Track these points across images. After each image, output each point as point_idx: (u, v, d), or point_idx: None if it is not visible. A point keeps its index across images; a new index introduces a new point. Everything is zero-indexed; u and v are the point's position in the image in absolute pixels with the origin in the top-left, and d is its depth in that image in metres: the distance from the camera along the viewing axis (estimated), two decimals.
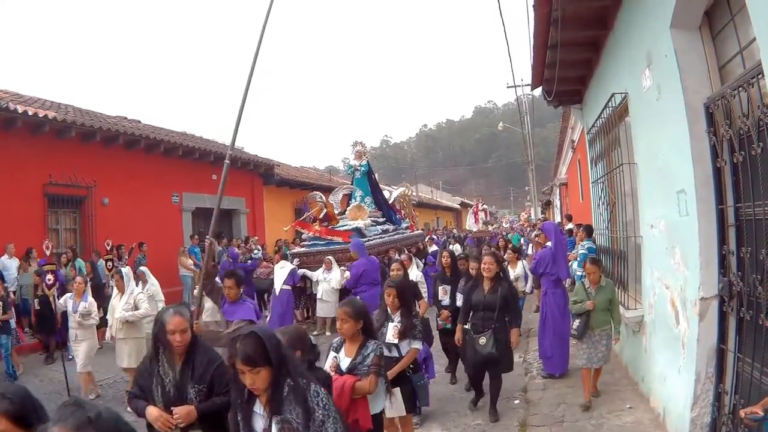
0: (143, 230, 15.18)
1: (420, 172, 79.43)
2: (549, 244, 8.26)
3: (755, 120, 3.66)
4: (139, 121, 18.92)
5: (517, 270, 10.21)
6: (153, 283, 10.43)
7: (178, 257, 15.39)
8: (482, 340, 6.17)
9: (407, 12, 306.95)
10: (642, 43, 5.73)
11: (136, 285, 10.60)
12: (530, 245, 16.60)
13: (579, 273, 9.08)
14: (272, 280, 14.37)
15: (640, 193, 6.73)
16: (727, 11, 4.29)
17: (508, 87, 28.99)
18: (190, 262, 15.49)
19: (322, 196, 15.23)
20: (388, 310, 5.18)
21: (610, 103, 7.17)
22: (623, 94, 6.82)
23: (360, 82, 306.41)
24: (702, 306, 4.51)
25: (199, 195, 18.50)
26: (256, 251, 16.42)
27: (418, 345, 5.11)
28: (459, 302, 7.26)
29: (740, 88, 3.82)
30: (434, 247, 19.78)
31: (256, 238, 19.10)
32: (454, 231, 42.46)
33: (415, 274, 9.48)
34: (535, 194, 34.81)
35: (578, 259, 9.27)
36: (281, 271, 12.20)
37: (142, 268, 11.07)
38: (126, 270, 8.79)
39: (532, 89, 14.17)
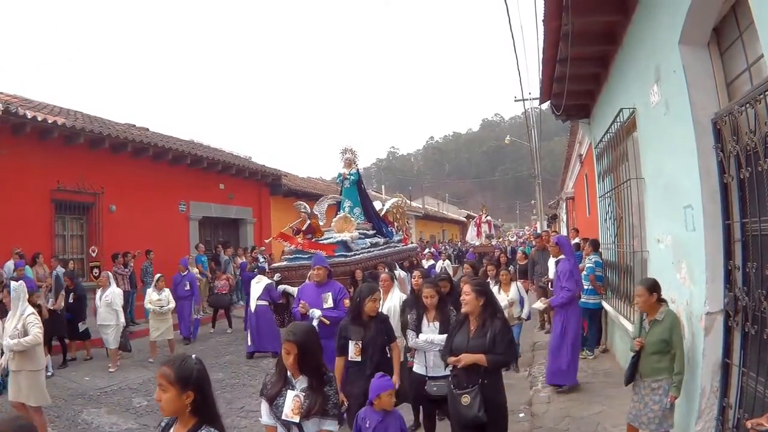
0: (150, 238, 15.25)
1: (426, 184, 79.53)
2: (562, 257, 8.13)
3: (762, 136, 3.68)
4: (148, 129, 19.03)
5: (510, 293, 9.01)
6: (113, 290, 10.39)
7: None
8: (465, 400, 4.54)
9: (416, 25, 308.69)
10: (651, 59, 5.76)
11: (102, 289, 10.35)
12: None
13: (586, 287, 9.07)
14: (231, 295, 14.04)
15: (647, 207, 6.73)
16: (735, 28, 4.33)
17: (515, 100, 28.89)
18: (196, 270, 15.52)
19: (307, 206, 14.03)
20: (289, 372, 3.65)
21: (618, 118, 7.20)
22: (631, 110, 6.84)
23: (368, 94, 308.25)
24: (707, 320, 4.52)
25: (206, 204, 18.59)
26: (262, 260, 16.43)
27: (332, 427, 3.62)
28: (410, 341, 5.69)
29: (747, 105, 3.84)
30: (432, 262, 19.34)
31: (263, 248, 19.13)
32: (457, 243, 41.82)
33: (397, 298, 7.26)
34: (541, 208, 34.77)
35: (585, 273, 9.25)
36: (256, 286, 11.55)
37: (106, 272, 11.02)
38: (16, 285, 6.95)
39: (541, 103, 14.13)
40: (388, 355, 5.53)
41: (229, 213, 19.90)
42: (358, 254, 12.95)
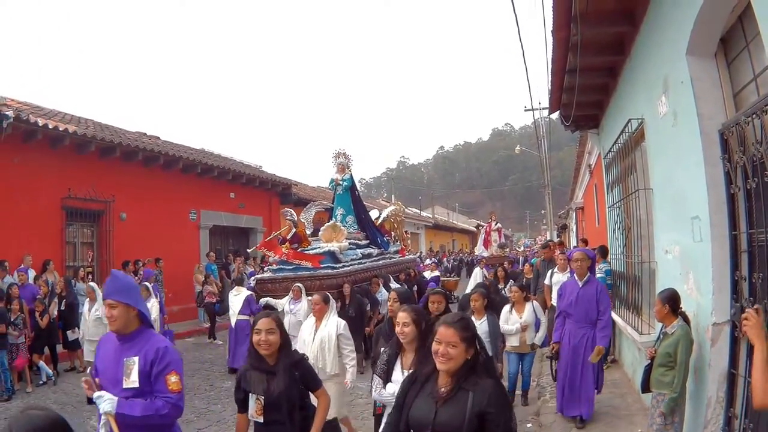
0: (160, 246, 15.35)
1: (436, 194, 79.46)
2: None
3: None
4: (159, 138, 19.16)
5: (525, 315, 7.56)
6: (101, 303, 9.53)
7: (194, 274, 15.46)
8: None
9: (426, 35, 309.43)
10: (658, 70, 5.76)
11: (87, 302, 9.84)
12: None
13: None
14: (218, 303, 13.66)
15: (655, 218, 6.72)
16: (742, 38, 4.34)
17: (525, 110, 28.75)
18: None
19: (293, 213, 13.22)
20: None
21: (626, 129, 7.19)
22: (640, 120, 6.83)
23: (378, 104, 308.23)
24: (714, 331, 4.50)
25: (216, 213, 18.72)
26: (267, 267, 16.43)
27: None
28: (374, 392, 4.17)
29: (754, 115, 3.83)
30: (436, 273, 18.97)
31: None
32: (464, 253, 40.96)
33: (333, 325, 5.83)
34: (551, 218, 34.64)
35: None
36: (236, 299, 10.68)
37: (91, 284, 10.53)
38: None
39: (550, 113, 14.09)
40: (307, 412, 3.86)
41: (239, 222, 20.02)
42: (347, 266, 12.19)
